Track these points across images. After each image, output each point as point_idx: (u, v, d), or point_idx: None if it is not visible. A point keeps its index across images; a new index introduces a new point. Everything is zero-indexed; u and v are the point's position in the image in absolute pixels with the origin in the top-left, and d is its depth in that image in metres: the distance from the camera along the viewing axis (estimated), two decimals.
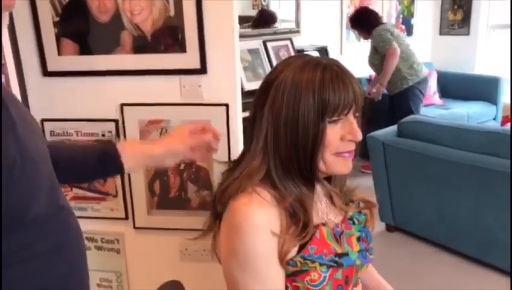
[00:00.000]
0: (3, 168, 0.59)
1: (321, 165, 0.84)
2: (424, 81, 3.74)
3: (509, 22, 5.02)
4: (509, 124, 4.73)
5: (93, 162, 1.00)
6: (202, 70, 1.47)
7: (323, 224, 0.88)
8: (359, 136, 0.83)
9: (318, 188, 0.91)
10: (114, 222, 1.67)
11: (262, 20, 3.66)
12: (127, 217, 1.67)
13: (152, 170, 1.61)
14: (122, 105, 1.54)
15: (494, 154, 2.21)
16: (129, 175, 1.62)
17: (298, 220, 0.83)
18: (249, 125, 0.88)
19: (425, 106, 4.41)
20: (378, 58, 3.66)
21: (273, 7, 3.79)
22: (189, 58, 1.47)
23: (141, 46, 1.47)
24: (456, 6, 5.11)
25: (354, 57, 3.98)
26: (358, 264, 0.90)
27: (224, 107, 1.49)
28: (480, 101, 4.66)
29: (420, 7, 5.02)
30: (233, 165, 0.89)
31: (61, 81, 1.55)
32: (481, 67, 5.05)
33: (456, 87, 4.84)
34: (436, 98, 4.71)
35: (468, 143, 2.29)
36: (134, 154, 1.06)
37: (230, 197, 0.83)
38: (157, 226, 1.66)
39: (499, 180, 2.19)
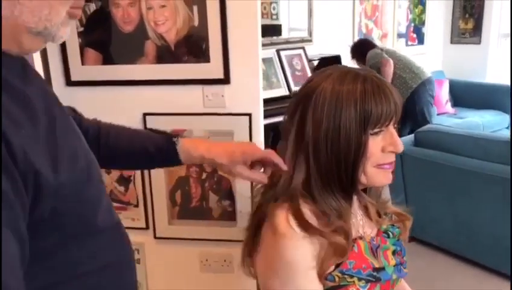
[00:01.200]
0: (82, 169, 0.60)
1: (362, 178, 0.83)
2: (429, 82, 3.83)
3: None
4: None
5: (152, 153, 0.97)
6: (225, 80, 1.47)
7: (360, 237, 0.87)
8: (401, 147, 0.82)
9: (354, 200, 0.89)
10: (135, 231, 1.66)
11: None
12: (147, 227, 1.66)
13: (173, 180, 1.61)
14: (144, 115, 1.54)
15: None
16: (150, 185, 1.62)
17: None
18: (286, 140, 0.86)
19: (438, 114, 4.39)
20: None
21: (283, 15, 3.78)
22: (212, 68, 1.47)
23: (165, 55, 1.48)
24: (467, 15, 5.11)
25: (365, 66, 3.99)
26: (395, 278, 0.89)
27: (247, 117, 1.49)
28: (493, 109, 4.63)
29: (431, 16, 5.01)
30: (272, 179, 0.88)
31: (84, 91, 1.55)
32: (493, 76, 5.02)
33: (468, 95, 4.81)
34: (449, 107, 4.69)
35: (487, 153, 2.28)
36: (190, 152, 0.98)
37: (270, 211, 0.82)
38: (177, 236, 1.65)
39: None
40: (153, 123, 1.54)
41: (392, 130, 0.82)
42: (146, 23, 1.45)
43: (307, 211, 0.81)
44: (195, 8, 1.42)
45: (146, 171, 1.61)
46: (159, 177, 1.61)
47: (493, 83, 4.85)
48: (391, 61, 3.71)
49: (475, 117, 4.40)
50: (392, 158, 0.84)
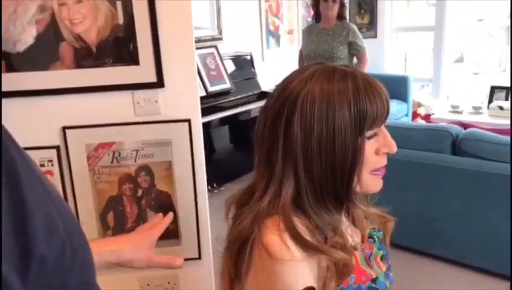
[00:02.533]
0: (53, 260, 0.39)
1: (356, 186, 0.74)
2: None
3: (410, 25, 5.41)
4: (418, 119, 5.08)
5: None
6: (159, 83, 1.31)
7: (355, 248, 0.79)
8: (395, 148, 0.75)
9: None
10: None
11: None
12: None
13: (104, 200, 1.41)
14: (64, 128, 1.32)
15: (434, 150, 2.30)
16: (76, 208, 1.41)
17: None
18: (263, 150, 0.75)
19: None
20: (345, 53, 3.62)
21: None
22: (143, 71, 1.30)
23: (85, 59, 1.28)
24: (362, 11, 5.38)
25: (275, 63, 4.00)
26: (388, 286, 0.83)
27: (186, 123, 1.35)
28: (393, 99, 4.92)
29: None
30: (254, 194, 0.76)
31: None
32: (389, 67, 5.36)
33: None
34: None
35: (410, 141, 2.37)
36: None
37: (259, 227, 0.70)
38: None
39: (441, 174, 2.28)
40: (75, 137, 1.33)
41: (384, 130, 0.76)
42: (59, 22, 1.24)
43: (301, 226, 0.71)
44: (118, 3, 1.24)
45: (69, 191, 1.39)
46: (87, 198, 1.40)
47: (391, 74, 5.16)
48: None
49: None
50: (385, 161, 0.77)
